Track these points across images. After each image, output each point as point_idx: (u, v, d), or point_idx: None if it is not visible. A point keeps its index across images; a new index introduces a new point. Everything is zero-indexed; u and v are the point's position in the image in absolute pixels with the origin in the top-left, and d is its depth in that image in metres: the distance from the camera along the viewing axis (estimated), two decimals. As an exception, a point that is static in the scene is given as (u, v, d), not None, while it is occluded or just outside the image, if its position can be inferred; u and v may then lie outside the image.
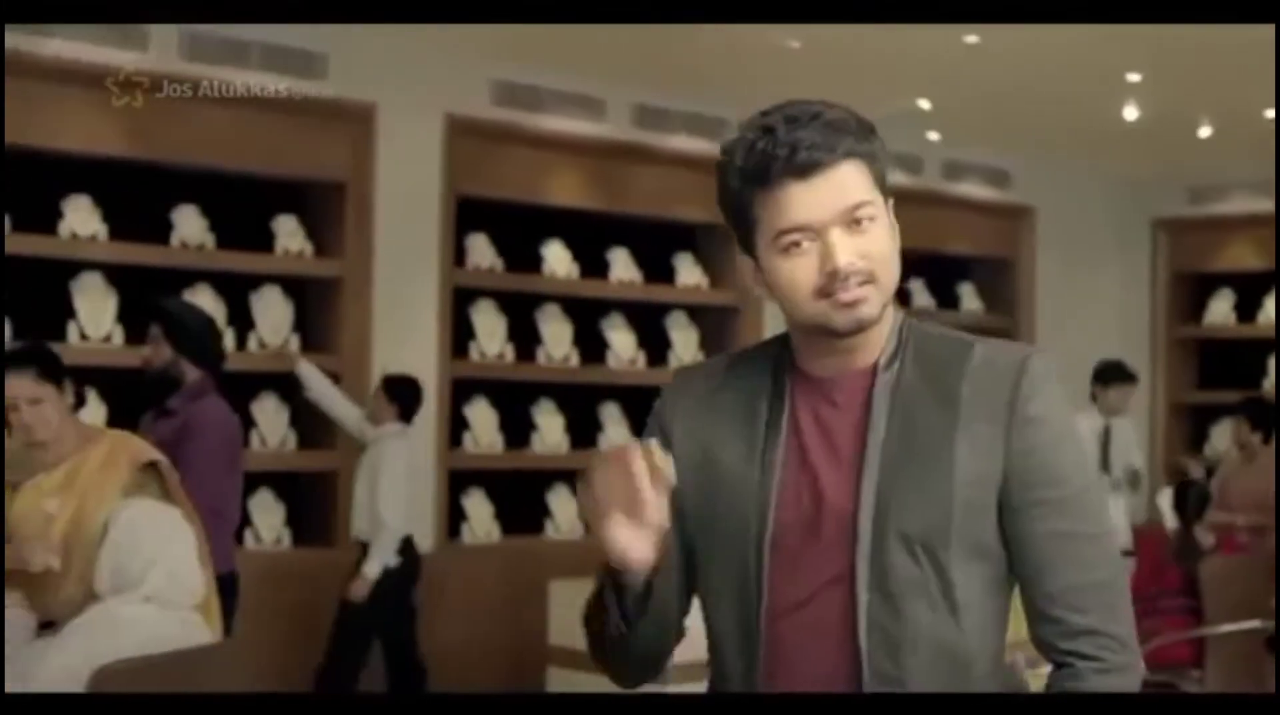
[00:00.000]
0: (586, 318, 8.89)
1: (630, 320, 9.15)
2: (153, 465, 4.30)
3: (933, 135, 10.01)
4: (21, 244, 6.99)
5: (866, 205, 2.11)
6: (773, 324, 7.80)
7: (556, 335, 8.73)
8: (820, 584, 2.11)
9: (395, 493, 7.07)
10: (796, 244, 2.09)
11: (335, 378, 7.59)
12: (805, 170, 2.08)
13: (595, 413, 9.01)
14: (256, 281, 7.73)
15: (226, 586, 4.82)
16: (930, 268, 10.84)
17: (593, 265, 8.92)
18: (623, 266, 9.08)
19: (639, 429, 2.39)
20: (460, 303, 8.26)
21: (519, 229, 8.58)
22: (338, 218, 7.85)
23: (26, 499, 4.26)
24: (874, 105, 8.74)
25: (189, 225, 7.49)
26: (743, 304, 9.28)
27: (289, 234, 7.82)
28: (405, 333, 7.91)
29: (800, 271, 2.10)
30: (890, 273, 2.15)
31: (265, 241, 7.77)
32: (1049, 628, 2.13)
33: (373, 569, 6.97)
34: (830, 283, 2.09)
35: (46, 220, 7.10)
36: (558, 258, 8.74)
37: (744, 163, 2.11)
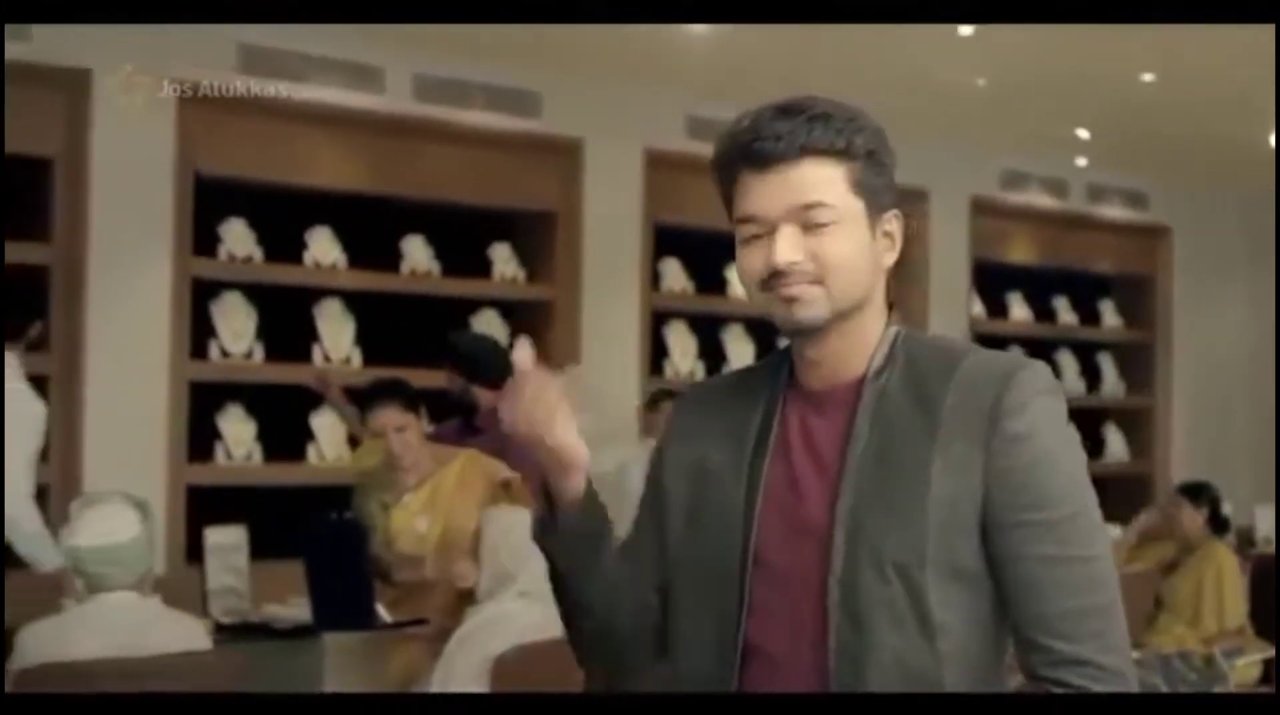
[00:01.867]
0: (768, 337, 9.26)
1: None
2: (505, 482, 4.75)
3: (1080, 161, 10.35)
4: (272, 273, 7.43)
5: (822, 207, 1.98)
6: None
7: (741, 354, 9.11)
8: (797, 598, 1.98)
9: None
10: (756, 236, 2.00)
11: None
12: (759, 162, 1.99)
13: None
14: (476, 305, 8.17)
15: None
16: (1074, 285, 11.16)
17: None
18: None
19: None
20: (656, 323, 8.69)
21: (709, 254, 8.97)
22: (548, 245, 8.25)
23: (399, 518, 4.72)
24: (1041, 134, 9.08)
25: (417, 254, 7.91)
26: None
27: (504, 261, 8.23)
28: (610, 351, 8.30)
29: (751, 262, 2.01)
30: (845, 280, 1.99)
31: (483, 268, 8.20)
32: (1035, 656, 1.95)
33: None
34: (773, 278, 1.99)
35: (293, 250, 7.55)
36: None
37: (718, 148, 2.05)
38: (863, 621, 1.93)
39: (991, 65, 7.71)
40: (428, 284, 7.91)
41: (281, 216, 7.49)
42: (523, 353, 1.97)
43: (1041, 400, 1.97)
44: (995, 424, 1.94)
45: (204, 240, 7.21)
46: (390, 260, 7.83)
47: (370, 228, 7.78)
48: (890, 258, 2.05)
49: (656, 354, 8.68)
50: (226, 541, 5.19)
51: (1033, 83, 8.03)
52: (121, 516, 3.82)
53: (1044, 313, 10.94)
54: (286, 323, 7.49)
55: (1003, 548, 1.94)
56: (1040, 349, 10.82)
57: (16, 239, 6.76)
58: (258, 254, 7.40)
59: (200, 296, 7.20)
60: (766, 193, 1.98)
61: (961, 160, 9.82)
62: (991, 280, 10.49)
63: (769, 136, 1.98)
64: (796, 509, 2.01)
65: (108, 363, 6.81)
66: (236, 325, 7.35)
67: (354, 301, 7.70)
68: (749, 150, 1.99)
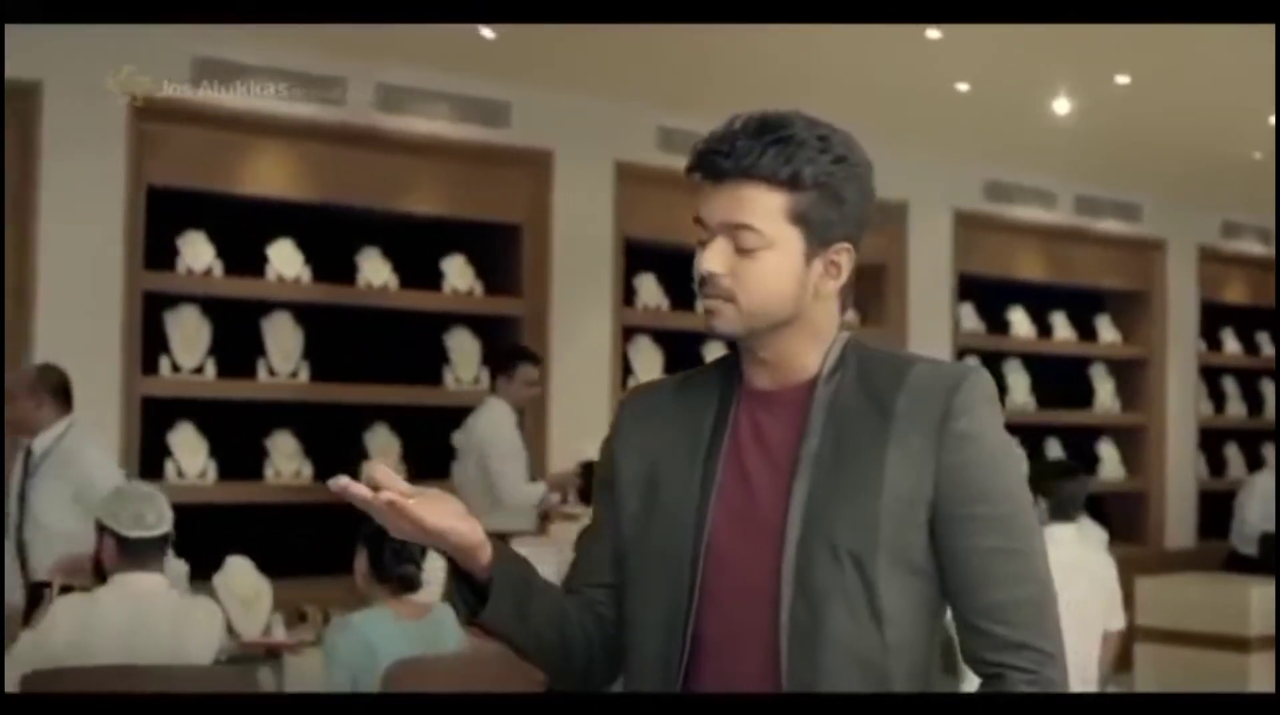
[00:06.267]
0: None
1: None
2: None
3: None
4: (677, 319, 8.41)
5: (749, 232, 1.99)
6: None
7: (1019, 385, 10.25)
8: (748, 587, 2.00)
9: None
10: (702, 240, 2.04)
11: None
12: (707, 173, 2.01)
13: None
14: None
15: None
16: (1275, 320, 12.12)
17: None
18: None
19: None
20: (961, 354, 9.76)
21: (993, 301, 10.08)
22: (879, 294, 9.33)
23: None
24: (1267, 194, 10.03)
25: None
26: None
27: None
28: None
29: (695, 263, 2.05)
30: (757, 302, 2.01)
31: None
32: (980, 641, 2.01)
33: None
34: (700, 283, 2.04)
35: (691, 298, 8.57)
36: (1020, 320, 10.30)
37: (693, 147, 2.05)
38: (816, 604, 1.96)
39: (1267, 141, 8.72)
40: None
41: (683, 269, 8.52)
42: (340, 483, 1.91)
43: (987, 406, 2.03)
44: (945, 423, 1.98)
45: (626, 293, 8.28)
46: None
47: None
48: (832, 285, 2.05)
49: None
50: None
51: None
52: None
53: (1250, 347, 11.94)
54: (684, 363, 8.52)
55: (950, 539, 1.99)
56: (1248, 378, 11.88)
57: (495, 294, 7.86)
58: (665, 304, 8.47)
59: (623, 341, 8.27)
60: (709, 203, 2.01)
61: (1191, 213, 10.83)
62: (1210, 318, 11.41)
63: (721, 151, 1.99)
64: (749, 503, 2.02)
65: (565, 397, 7.86)
66: (648, 365, 8.42)
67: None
68: (702, 159, 2.01)
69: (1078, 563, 5.49)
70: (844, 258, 2.04)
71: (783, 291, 2.00)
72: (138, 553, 4.23)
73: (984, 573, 1.99)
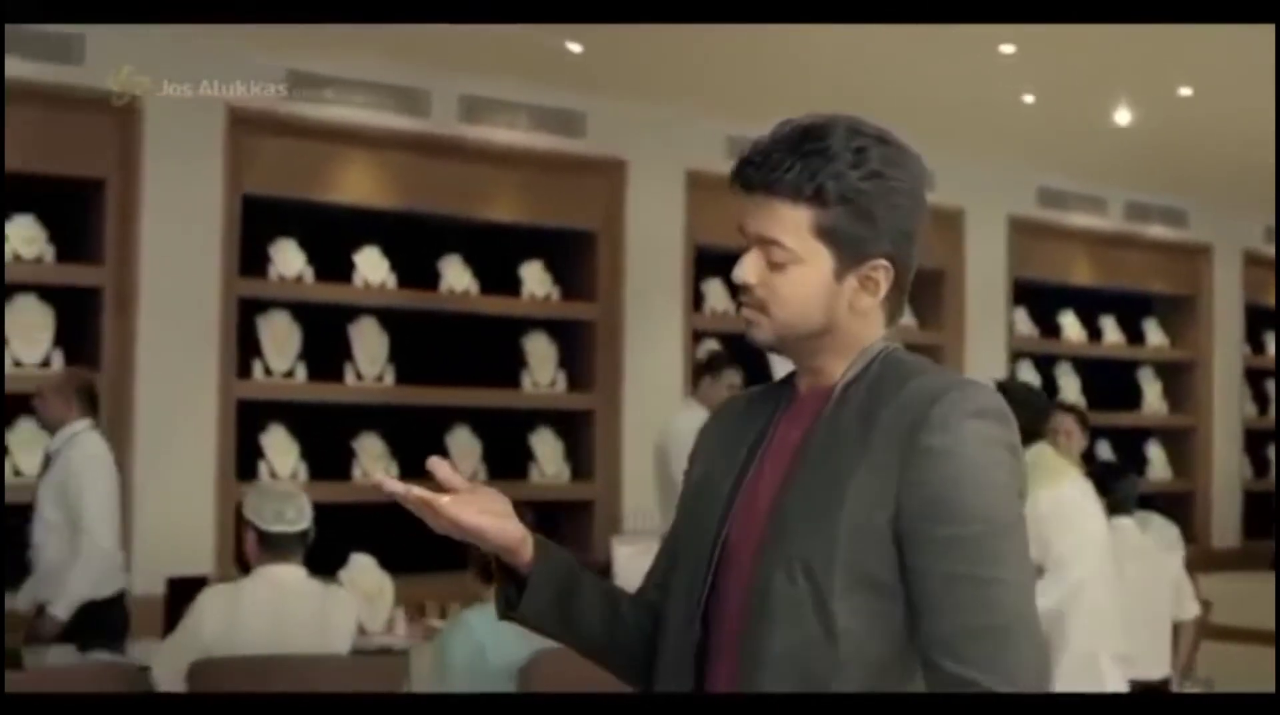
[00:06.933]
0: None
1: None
2: None
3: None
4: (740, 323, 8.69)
5: (776, 247, 1.95)
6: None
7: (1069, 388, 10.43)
8: (741, 593, 1.97)
9: None
10: (745, 248, 2.00)
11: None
12: (742, 183, 1.98)
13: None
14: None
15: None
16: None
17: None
18: None
19: None
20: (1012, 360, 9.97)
21: (1045, 306, 10.28)
22: (935, 299, 9.47)
23: None
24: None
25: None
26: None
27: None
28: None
29: (735, 273, 2.01)
30: (786, 316, 1.98)
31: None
32: (928, 673, 1.88)
33: None
34: (738, 292, 2.02)
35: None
36: (1071, 324, 10.50)
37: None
38: (769, 617, 1.91)
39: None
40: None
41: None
42: (387, 482, 1.93)
43: (970, 421, 1.89)
44: (914, 437, 1.88)
45: (695, 298, 8.46)
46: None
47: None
48: (869, 301, 1.98)
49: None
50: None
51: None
52: None
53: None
54: (750, 367, 8.71)
55: (911, 560, 1.88)
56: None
57: (571, 299, 8.06)
58: (732, 308, 8.67)
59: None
60: (746, 213, 1.98)
61: (1236, 218, 10.99)
62: (1254, 321, 11.56)
63: (753, 162, 1.96)
64: (754, 507, 2.00)
65: (636, 399, 8.06)
66: (717, 367, 8.61)
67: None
68: (739, 169, 1.98)
69: (1137, 548, 5.80)
70: (881, 274, 1.98)
71: (812, 305, 1.97)
72: (279, 546, 4.42)
73: (935, 597, 1.87)
